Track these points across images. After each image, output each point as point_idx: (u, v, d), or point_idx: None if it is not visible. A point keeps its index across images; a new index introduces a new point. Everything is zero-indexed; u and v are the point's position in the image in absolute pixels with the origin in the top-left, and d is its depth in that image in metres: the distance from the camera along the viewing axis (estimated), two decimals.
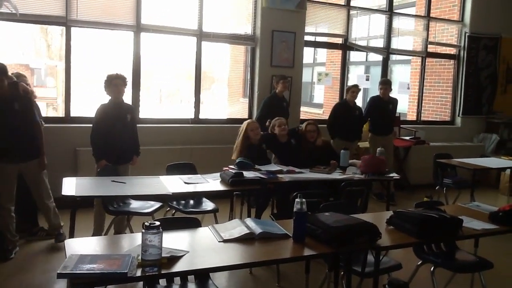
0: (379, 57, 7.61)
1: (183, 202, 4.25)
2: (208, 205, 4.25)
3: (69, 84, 5.49)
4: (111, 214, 3.96)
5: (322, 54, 10.97)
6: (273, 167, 4.31)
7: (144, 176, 3.93)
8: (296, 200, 2.45)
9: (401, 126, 7.30)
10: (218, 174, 3.98)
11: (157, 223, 2.06)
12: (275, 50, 6.38)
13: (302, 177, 4.19)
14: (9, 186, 4.03)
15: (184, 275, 2.55)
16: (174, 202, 4.15)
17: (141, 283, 2.62)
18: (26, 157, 4.08)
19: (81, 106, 6.74)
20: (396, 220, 2.79)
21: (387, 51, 7.40)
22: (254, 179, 3.85)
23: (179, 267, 2.10)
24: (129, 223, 4.18)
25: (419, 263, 3.19)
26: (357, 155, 5.89)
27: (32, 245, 4.30)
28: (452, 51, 8.08)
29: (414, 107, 8.11)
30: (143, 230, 2.04)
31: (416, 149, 7.09)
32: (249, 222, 2.68)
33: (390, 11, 7.37)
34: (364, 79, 7.50)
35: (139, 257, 2.05)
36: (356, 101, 6.27)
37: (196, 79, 6.21)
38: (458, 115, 8.06)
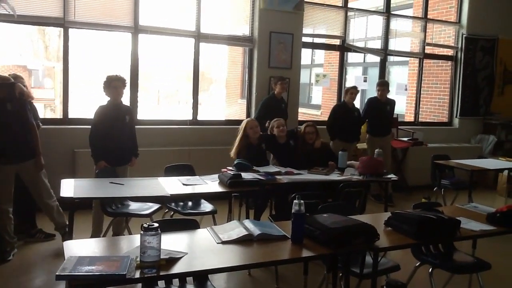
0: (376, 59, 7.63)
1: (181, 203, 4.24)
2: (206, 206, 4.25)
3: (67, 86, 5.49)
4: (109, 216, 3.96)
5: (320, 55, 10.99)
6: (272, 169, 4.32)
7: (142, 177, 3.92)
8: (294, 201, 2.45)
9: (399, 127, 7.31)
10: (217, 175, 3.98)
11: (156, 224, 2.06)
12: (273, 52, 6.39)
13: (300, 179, 4.19)
14: (6, 187, 4.03)
15: (182, 276, 2.54)
16: (173, 204, 4.14)
17: (139, 284, 2.61)
18: (22, 157, 4.07)
19: (79, 107, 6.73)
20: (394, 221, 2.80)
21: (384, 52, 7.42)
22: (253, 181, 3.85)
23: (177, 268, 2.10)
24: (128, 224, 4.18)
25: (417, 264, 3.19)
26: (355, 156, 5.90)
27: (31, 246, 4.29)
28: (450, 52, 8.10)
29: (412, 108, 8.13)
30: (142, 232, 2.04)
31: (414, 150, 7.10)
32: (248, 223, 2.68)
33: (387, 13, 7.39)
34: (361, 81, 7.51)
35: (138, 259, 2.05)
36: (354, 102, 6.29)
37: (194, 81, 6.21)
38: (456, 116, 8.09)
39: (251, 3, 6.37)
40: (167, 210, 4.20)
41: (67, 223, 4.24)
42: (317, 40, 7.24)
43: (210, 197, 4.26)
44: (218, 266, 2.21)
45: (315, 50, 10.03)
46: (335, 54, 7.66)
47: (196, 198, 4.30)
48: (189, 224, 2.75)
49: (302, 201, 2.45)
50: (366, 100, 6.82)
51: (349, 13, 7.04)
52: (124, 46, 5.87)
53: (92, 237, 4.08)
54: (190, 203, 4.30)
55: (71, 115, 5.54)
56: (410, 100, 8.25)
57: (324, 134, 5.67)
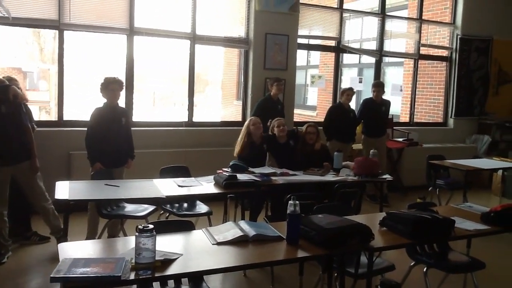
0: (372, 59, 7.65)
1: (177, 205, 4.24)
2: (202, 208, 4.25)
3: (62, 88, 5.48)
4: (104, 218, 3.95)
5: (316, 56, 11.01)
6: (267, 170, 4.32)
7: (137, 179, 3.92)
8: (290, 202, 2.46)
9: (394, 128, 7.34)
10: (212, 177, 3.98)
11: (151, 226, 2.07)
12: (269, 53, 6.40)
13: (295, 179, 4.20)
14: (1, 189, 4.02)
15: (177, 278, 2.55)
16: (168, 205, 4.14)
17: (134, 286, 2.61)
18: (17, 159, 4.07)
19: (74, 109, 6.72)
20: (389, 222, 2.81)
21: (379, 53, 7.44)
22: (248, 182, 3.86)
23: (172, 270, 2.10)
24: (123, 226, 4.17)
25: (412, 264, 3.21)
26: (351, 157, 5.91)
27: (25, 249, 4.28)
28: (444, 53, 8.14)
29: (407, 109, 8.16)
30: (137, 233, 2.04)
31: (409, 150, 7.12)
32: (243, 224, 2.69)
33: (382, 14, 7.42)
34: (357, 81, 7.54)
35: (133, 261, 2.05)
36: (349, 103, 6.31)
37: (190, 82, 6.21)
38: (451, 117, 8.12)
39: (247, 5, 6.38)
40: (162, 211, 4.21)
41: (62, 226, 4.24)
42: (312, 41, 7.25)
43: (205, 198, 4.26)
44: (213, 267, 2.21)
45: (310, 51, 10.04)
46: (331, 55, 7.68)
47: (192, 199, 4.30)
48: (184, 226, 2.75)
49: (297, 202, 2.46)
50: (361, 101, 6.84)
51: (344, 14, 7.06)
52: (120, 48, 5.87)
53: (87, 239, 4.08)
54: (185, 205, 4.30)
55: (66, 117, 5.53)
56: (405, 101, 8.28)
57: (321, 135, 5.68)
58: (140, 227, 2.05)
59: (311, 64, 11.33)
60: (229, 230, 2.58)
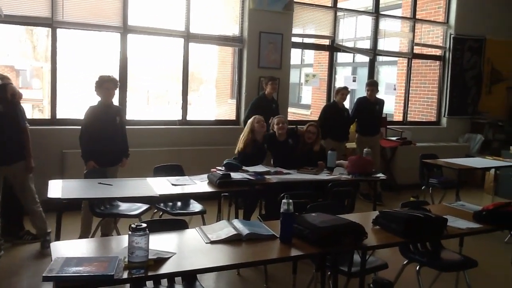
0: (366, 58, 7.67)
1: (170, 204, 4.24)
2: (195, 206, 4.25)
3: (55, 86, 5.45)
4: (98, 216, 3.94)
5: (310, 55, 11.03)
6: (261, 168, 4.32)
7: (131, 178, 3.91)
8: (283, 201, 2.46)
9: (388, 126, 7.36)
10: (206, 175, 3.98)
11: (144, 225, 2.06)
12: (263, 52, 6.40)
13: (289, 178, 4.20)
14: None
15: (171, 276, 2.54)
16: (162, 204, 4.14)
17: (128, 285, 2.60)
18: (11, 160, 4.05)
19: (67, 108, 6.68)
20: (382, 220, 2.82)
21: (373, 52, 7.46)
22: (242, 181, 3.86)
23: (166, 269, 2.10)
24: (116, 225, 4.16)
25: (405, 262, 3.22)
26: (345, 155, 5.93)
27: (18, 248, 4.26)
28: (438, 52, 8.17)
29: (401, 108, 8.19)
30: (130, 232, 2.03)
31: (403, 149, 7.15)
32: (237, 223, 2.69)
33: (376, 13, 7.44)
34: (351, 80, 7.56)
35: (126, 259, 2.05)
36: (344, 102, 6.33)
37: (184, 81, 6.20)
38: (444, 116, 8.16)
39: (241, 3, 6.38)
40: (156, 210, 4.19)
41: (49, 230, 4.22)
42: (306, 40, 7.25)
43: (199, 197, 4.26)
44: (206, 266, 2.21)
45: (304, 50, 10.05)
46: (325, 54, 7.70)
47: (185, 198, 4.30)
48: (177, 224, 2.74)
49: (290, 201, 2.46)
50: (355, 100, 6.86)
51: (338, 13, 7.07)
52: (113, 47, 5.84)
53: (80, 238, 4.06)
54: (179, 203, 4.29)
55: (59, 115, 5.51)
56: (398, 100, 8.31)
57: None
58: (133, 226, 2.04)
59: (306, 63, 11.35)
60: (223, 229, 2.58)
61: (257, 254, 2.37)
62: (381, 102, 6.58)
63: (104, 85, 4.28)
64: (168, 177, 3.97)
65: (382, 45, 7.52)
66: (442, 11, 8.05)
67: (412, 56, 7.90)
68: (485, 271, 3.86)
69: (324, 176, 4.38)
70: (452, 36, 7.96)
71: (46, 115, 7.41)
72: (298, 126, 5.39)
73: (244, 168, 4.27)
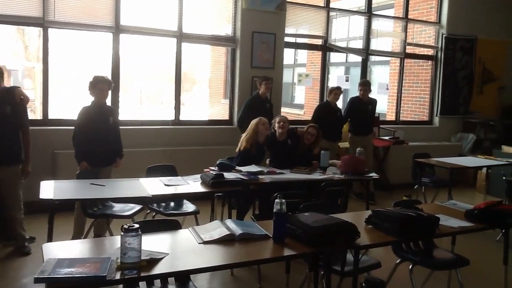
0: (358, 58, 7.70)
1: (163, 204, 4.23)
2: (188, 207, 4.24)
3: (46, 86, 5.42)
4: (90, 217, 3.93)
5: (303, 55, 11.04)
6: (254, 168, 4.32)
7: (123, 178, 3.89)
8: (276, 200, 2.46)
9: (381, 126, 7.39)
10: (199, 175, 3.97)
11: (136, 225, 2.05)
12: (256, 51, 6.40)
13: (282, 178, 4.21)
14: None
15: (164, 277, 2.54)
16: (155, 205, 4.12)
17: (121, 286, 2.59)
18: (11, 161, 4.08)
19: (59, 108, 6.64)
20: (374, 219, 2.83)
21: (366, 52, 7.49)
22: (235, 181, 3.85)
23: (159, 269, 2.09)
24: (109, 226, 4.14)
25: (398, 261, 3.24)
26: (338, 155, 5.95)
27: (9, 250, 4.22)
28: (430, 52, 8.22)
29: (393, 108, 8.22)
30: (122, 233, 2.02)
31: (395, 149, 7.18)
32: (230, 223, 2.68)
33: (369, 13, 7.46)
34: (344, 80, 7.58)
35: (118, 260, 2.04)
36: (337, 102, 6.35)
37: (176, 81, 6.18)
38: (436, 115, 8.21)
39: (233, 3, 6.37)
40: (149, 211, 4.18)
41: (27, 237, 4.19)
42: (299, 40, 7.27)
43: (192, 197, 4.25)
44: (199, 266, 2.20)
45: (297, 50, 10.07)
46: (318, 54, 7.71)
47: (178, 198, 4.28)
48: (170, 225, 2.74)
49: (283, 201, 2.46)
50: (348, 99, 6.88)
51: (331, 13, 7.09)
52: (105, 46, 5.82)
53: (73, 238, 4.03)
54: (172, 204, 4.28)
55: (51, 116, 5.47)
56: (391, 99, 8.34)
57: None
58: (125, 226, 2.03)
59: (299, 63, 11.36)
60: (216, 229, 2.58)
61: (250, 254, 2.37)
62: (373, 102, 6.61)
63: (98, 85, 4.28)
64: (161, 178, 3.95)
65: (374, 45, 7.55)
66: (434, 11, 8.10)
67: (404, 55, 7.94)
68: (477, 270, 3.89)
69: (317, 175, 4.38)
70: (444, 36, 8.00)
71: (38, 115, 7.35)
72: (298, 127, 5.38)
73: (237, 168, 4.27)
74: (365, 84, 6.48)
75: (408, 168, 6.11)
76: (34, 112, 10.93)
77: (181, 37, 6.05)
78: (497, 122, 8.23)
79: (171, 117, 6.19)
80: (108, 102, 5.22)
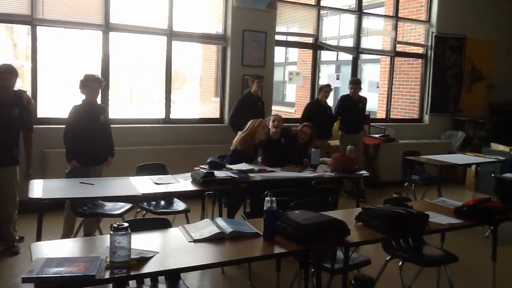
0: (349, 57, 7.72)
1: (153, 203, 4.21)
2: (179, 205, 4.23)
3: (35, 85, 5.37)
4: (79, 216, 3.90)
5: (294, 53, 11.05)
6: (245, 166, 4.32)
7: (113, 177, 3.88)
8: (266, 198, 2.47)
9: (371, 124, 7.43)
10: (189, 174, 3.96)
11: (126, 224, 2.04)
12: (246, 50, 6.39)
13: (273, 176, 4.21)
14: None
15: (153, 276, 2.53)
16: (145, 203, 4.11)
17: (111, 285, 2.58)
18: (14, 162, 4.11)
19: (48, 107, 6.59)
20: (364, 217, 2.84)
21: (356, 50, 7.51)
22: (226, 179, 3.85)
23: (148, 268, 2.08)
24: (99, 225, 4.12)
25: (387, 258, 3.26)
26: (328, 153, 5.97)
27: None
28: (420, 50, 8.27)
29: (384, 106, 8.27)
30: (111, 232, 2.02)
31: (386, 146, 7.22)
32: (220, 221, 2.68)
33: (359, 11, 7.48)
34: (334, 78, 7.61)
35: (108, 259, 2.03)
36: (327, 100, 6.37)
37: (167, 79, 6.16)
38: (426, 113, 8.26)
39: (224, 1, 6.36)
40: (139, 209, 4.16)
41: (17, 238, 4.17)
42: (290, 38, 7.27)
43: (183, 196, 4.24)
44: (190, 265, 2.20)
45: (288, 48, 10.08)
46: (309, 52, 7.73)
47: (169, 197, 4.27)
48: (160, 223, 2.73)
49: (274, 199, 2.47)
50: (339, 97, 6.90)
51: (322, 12, 7.10)
52: (95, 45, 5.77)
53: (63, 238, 4.01)
54: (162, 202, 4.27)
55: (40, 114, 5.42)
56: (381, 98, 8.38)
57: None
58: (114, 225, 2.03)
59: (290, 61, 11.38)
60: (206, 227, 2.57)
61: (241, 252, 2.37)
62: (364, 100, 6.63)
63: (89, 84, 4.27)
64: (151, 176, 3.94)
65: (365, 43, 7.58)
66: (424, 9, 8.14)
67: (394, 54, 7.98)
68: (466, 266, 3.92)
69: (308, 173, 4.40)
70: (433, 34, 8.05)
71: None
72: (291, 126, 5.38)
73: (228, 166, 4.26)
74: (355, 82, 6.50)
75: (398, 165, 6.14)
76: None
77: (171, 35, 6.03)
78: (486, 120, 8.31)
79: (162, 115, 6.17)
80: (98, 100, 5.20)
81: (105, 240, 2.32)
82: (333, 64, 10.33)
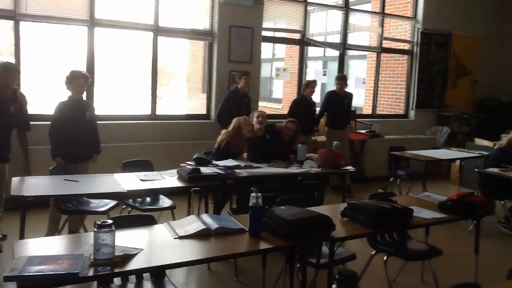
0: (336, 53, 7.74)
1: (139, 199, 4.19)
2: (165, 202, 4.21)
3: (19, 81, 5.24)
4: (64, 214, 3.87)
5: (281, 49, 11.05)
6: (231, 163, 4.31)
7: (98, 174, 3.84)
8: (252, 194, 2.47)
9: (357, 120, 7.46)
10: (175, 170, 3.94)
11: (110, 221, 2.03)
12: (233, 46, 6.37)
13: (259, 172, 4.21)
14: None
15: (138, 273, 2.52)
16: (130, 200, 4.09)
17: (95, 283, 2.57)
18: (5, 159, 4.08)
19: (33, 103, 6.48)
20: (350, 212, 2.87)
21: (343, 46, 7.53)
22: (212, 175, 3.84)
23: (133, 265, 2.07)
24: (83, 222, 4.09)
25: (373, 253, 3.28)
26: (315, 149, 5.99)
27: None
28: (406, 46, 8.32)
29: (370, 101, 8.31)
30: (95, 229, 2.00)
31: (372, 142, 7.27)
32: (205, 217, 2.68)
33: (346, 7, 7.50)
34: (321, 74, 7.63)
35: (92, 257, 2.01)
36: (313, 95, 6.39)
37: (153, 75, 6.11)
38: (412, 109, 8.33)
39: None
40: (124, 206, 4.14)
41: (0, 236, 4.13)
42: (277, 34, 7.26)
43: (169, 192, 4.23)
44: (174, 261, 2.20)
45: (276, 44, 10.07)
46: (296, 48, 7.73)
47: (154, 193, 4.25)
48: (145, 220, 2.72)
49: (259, 194, 2.47)
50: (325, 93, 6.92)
51: (309, 8, 7.10)
52: (80, 40, 5.71)
53: (47, 235, 3.96)
54: (148, 199, 4.25)
55: None
56: (368, 93, 8.43)
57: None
58: (98, 222, 2.01)
59: (277, 57, 11.37)
60: (191, 224, 2.57)
61: (226, 248, 2.38)
62: (349, 96, 6.67)
63: (75, 80, 4.23)
64: (137, 173, 3.92)
65: (351, 39, 7.60)
66: (410, 6, 8.20)
67: (381, 50, 8.02)
68: (450, 260, 3.97)
69: (294, 169, 4.41)
70: (419, 30, 8.11)
71: None
72: (276, 122, 5.39)
73: (214, 162, 4.25)
74: (341, 78, 6.53)
75: (384, 161, 6.19)
76: None
77: (158, 31, 5.98)
78: (470, 115, 8.42)
79: (148, 111, 6.13)
80: (83, 96, 5.14)
81: (90, 237, 2.29)
82: (320, 60, 10.35)
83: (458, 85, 8.62)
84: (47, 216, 4.16)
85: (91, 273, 1.95)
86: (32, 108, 5.57)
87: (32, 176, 3.76)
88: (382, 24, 7.90)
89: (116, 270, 2.01)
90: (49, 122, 4.30)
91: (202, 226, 2.51)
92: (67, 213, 3.86)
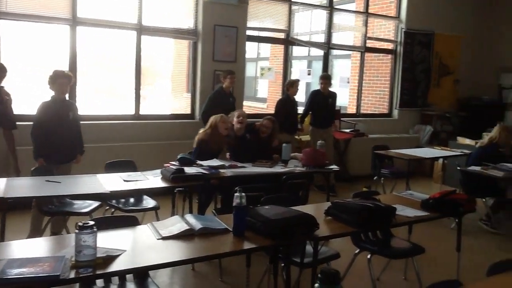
0: (320, 52, 7.77)
1: (123, 200, 4.15)
2: (149, 202, 4.18)
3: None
4: (46, 215, 3.82)
5: (266, 48, 11.06)
6: (215, 162, 4.30)
7: (81, 174, 3.80)
8: (235, 194, 2.46)
9: (341, 119, 7.50)
10: (159, 170, 3.92)
11: (91, 222, 2.01)
12: (217, 45, 6.35)
13: (244, 172, 4.21)
14: None
15: (121, 274, 2.49)
16: (113, 201, 4.04)
17: (78, 285, 2.53)
18: None
19: (14, 103, 6.38)
20: (333, 211, 2.88)
21: (328, 46, 7.56)
22: (196, 175, 3.83)
23: (115, 266, 2.05)
24: (66, 223, 4.04)
25: (356, 251, 3.30)
26: (299, 148, 6.00)
27: None
28: (390, 46, 8.39)
29: (354, 101, 8.37)
30: (77, 231, 1.98)
31: (356, 141, 7.32)
32: (189, 218, 2.67)
33: (330, 7, 7.53)
34: (306, 74, 7.65)
35: (73, 259, 1.99)
36: (297, 95, 6.42)
37: (136, 74, 6.06)
38: (395, 108, 8.41)
39: None
40: (107, 207, 4.10)
41: None
42: (262, 34, 7.26)
43: (153, 193, 4.20)
44: (158, 262, 2.18)
45: (260, 43, 10.07)
46: (281, 48, 7.74)
47: (138, 194, 4.22)
48: (128, 221, 2.69)
49: (243, 194, 2.47)
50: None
51: (293, 7, 7.11)
52: (62, 39, 5.63)
53: (29, 237, 3.91)
54: (132, 200, 4.21)
55: None
56: (352, 93, 8.48)
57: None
58: (80, 223, 1.99)
59: (262, 56, 11.37)
60: (175, 224, 2.55)
61: (210, 248, 2.37)
62: (333, 95, 6.70)
63: (58, 80, 4.19)
64: (120, 173, 3.88)
65: (336, 39, 7.64)
66: (394, 5, 8.27)
67: (365, 49, 8.07)
68: (432, 257, 4.02)
69: (278, 169, 4.41)
70: (403, 30, 8.18)
71: None
72: (256, 122, 5.38)
73: (199, 162, 4.23)
74: (325, 78, 6.56)
75: (368, 160, 6.24)
76: None
77: (141, 30, 5.93)
78: (453, 114, 8.52)
79: (131, 111, 6.08)
80: (67, 96, 5.08)
81: (72, 239, 2.26)
82: (304, 60, 10.39)
83: (441, 85, 8.72)
84: (28, 217, 4.10)
85: (72, 275, 1.93)
86: (14, 109, 5.51)
87: (13, 177, 3.70)
88: (366, 24, 7.95)
89: (98, 272, 1.99)
90: (31, 123, 4.23)
91: (186, 227, 2.50)
92: (49, 215, 3.81)
